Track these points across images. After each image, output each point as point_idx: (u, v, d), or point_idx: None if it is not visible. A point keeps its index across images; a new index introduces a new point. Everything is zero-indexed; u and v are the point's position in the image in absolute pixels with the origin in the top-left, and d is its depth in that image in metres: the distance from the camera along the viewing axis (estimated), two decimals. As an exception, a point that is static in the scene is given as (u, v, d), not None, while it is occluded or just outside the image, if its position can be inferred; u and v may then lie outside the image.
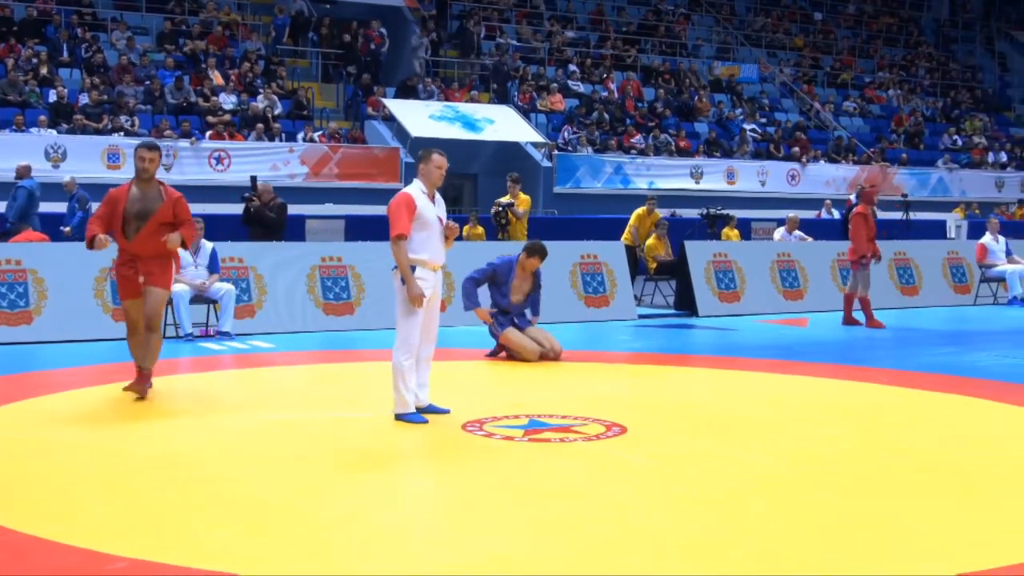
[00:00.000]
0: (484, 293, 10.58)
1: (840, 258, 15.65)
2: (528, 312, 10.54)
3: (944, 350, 11.56)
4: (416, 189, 7.31)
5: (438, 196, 7.47)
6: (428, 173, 7.32)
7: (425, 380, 7.48)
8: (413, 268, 7.19)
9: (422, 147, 7.82)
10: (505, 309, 10.32)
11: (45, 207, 16.85)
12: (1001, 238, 17.00)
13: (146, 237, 7.94)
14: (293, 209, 15.93)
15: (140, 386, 8.08)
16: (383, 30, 26.02)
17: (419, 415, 7.28)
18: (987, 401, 8.28)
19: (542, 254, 10.43)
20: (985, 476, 6.05)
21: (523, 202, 15.39)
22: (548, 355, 10.22)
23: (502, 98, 25.53)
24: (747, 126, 28.02)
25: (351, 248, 13.21)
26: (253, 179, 15.66)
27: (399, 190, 7.48)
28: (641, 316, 14.18)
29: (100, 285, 11.46)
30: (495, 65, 25.97)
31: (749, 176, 26.56)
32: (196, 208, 16.22)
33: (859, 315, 13.55)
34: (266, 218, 14.67)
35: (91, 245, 7.98)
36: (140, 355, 8.15)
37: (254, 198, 14.82)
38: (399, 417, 7.24)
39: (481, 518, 5.21)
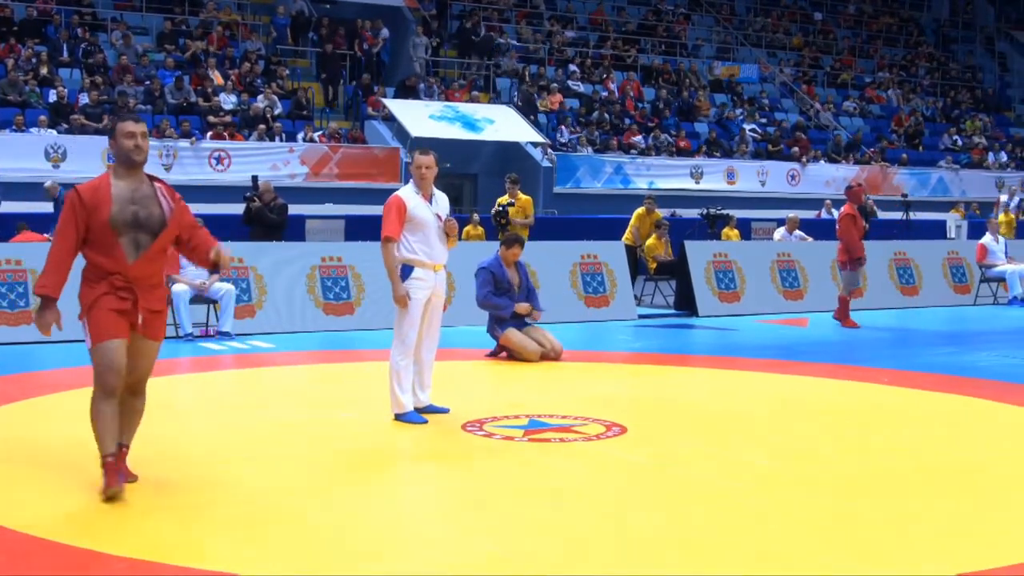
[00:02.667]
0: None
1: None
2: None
3: (944, 350, 11.56)
4: (409, 191, 7.34)
5: (440, 194, 7.46)
6: (414, 174, 7.39)
7: (428, 382, 7.47)
8: (411, 269, 7.20)
9: (419, 147, 7.83)
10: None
11: (43, 207, 16.84)
12: (1001, 238, 17.01)
13: (154, 257, 5.58)
14: (293, 209, 15.93)
15: (122, 479, 5.38)
16: (384, 31, 25.99)
17: (418, 415, 7.28)
18: (987, 401, 8.28)
19: (520, 242, 10.56)
20: (985, 476, 6.05)
21: (524, 203, 15.34)
22: (549, 355, 10.23)
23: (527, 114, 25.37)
24: (747, 126, 27.99)
25: (351, 248, 13.21)
26: (255, 179, 15.66)
27: (399, 190, 7.49)
28: (641, 316, 14.17)
29: (100, 285, 11.45)
30: (521, 93, 25.78)
31: (749, 176, 26.53)
32: (196, 208, 16.32)
33: (853, 316, 13.54)
34: (267, 218, 14.67)
35: (41, 318, 5.71)
36: (120, 430, 5.48)
37: (256, 198, 14.82)
38: (398, 417, 7.24)
39: (481, 518, 5.21)
